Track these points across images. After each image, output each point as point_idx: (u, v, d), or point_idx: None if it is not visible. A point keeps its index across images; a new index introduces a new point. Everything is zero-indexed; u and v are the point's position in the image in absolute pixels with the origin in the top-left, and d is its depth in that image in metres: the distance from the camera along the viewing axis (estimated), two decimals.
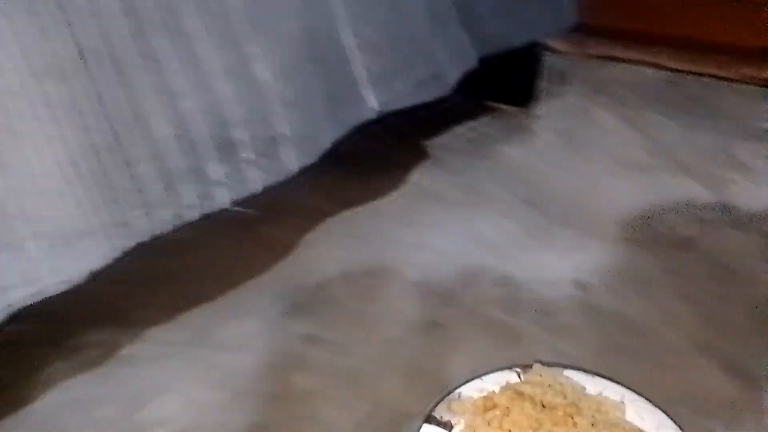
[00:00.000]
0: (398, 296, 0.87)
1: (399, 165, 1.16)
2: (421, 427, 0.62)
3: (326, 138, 0.69)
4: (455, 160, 1.19)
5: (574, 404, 0.61)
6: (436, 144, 1.23)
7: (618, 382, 0.64)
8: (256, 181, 0.63)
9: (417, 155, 1.20)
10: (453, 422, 0.62)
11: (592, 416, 0.60)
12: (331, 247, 0.96)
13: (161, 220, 0.58)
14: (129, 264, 0.84)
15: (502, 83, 1.33)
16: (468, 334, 0.81)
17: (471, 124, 1.29)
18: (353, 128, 0.72)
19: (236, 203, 0.61)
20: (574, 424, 0.59)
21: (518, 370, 0.66)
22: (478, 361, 0.77)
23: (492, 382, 0.65)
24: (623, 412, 0.62)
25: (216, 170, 0.61)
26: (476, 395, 0.63)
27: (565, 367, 0.66)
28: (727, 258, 0.92)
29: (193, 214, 0.60)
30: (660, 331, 0.81)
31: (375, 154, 1.18)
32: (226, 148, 0.60)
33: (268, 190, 0.65)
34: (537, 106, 1.32)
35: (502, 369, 0.66)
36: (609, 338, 0.80)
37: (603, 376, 0.64)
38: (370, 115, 0.73)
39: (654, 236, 0.94)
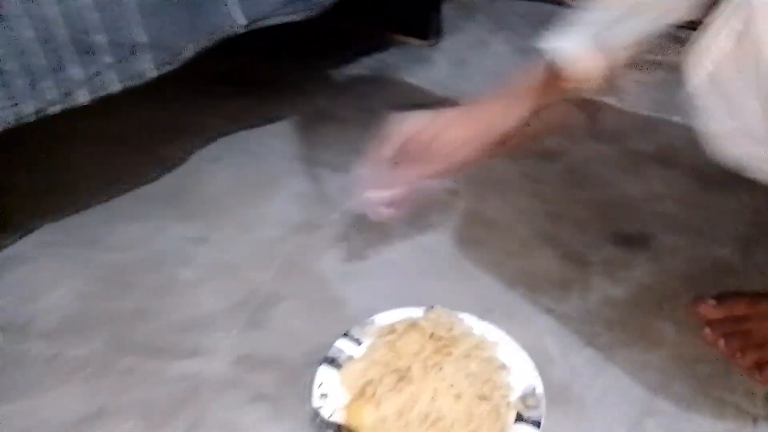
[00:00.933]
0: (283, 203, 0.95)
1: (302, 91, 1.22)
2: (337, 340, 0.72)
3: (187, 48, 0.75)
4: (356, 88, 1.26)
5: (456, 338, 0.71)
6: (340, 72, 1.30)
7: (500, 330, 0.73)
8: (114, 83, 0.69)
9: (321, 82, 1.26)
10: (362, 340, 0.73)
11: (469, 350, 0.70)
12: (226, 164, 1.03)
13: (27, 113, 0.64)
14: (18, 172, 0.90)
15: (407, 16, 1.40)
16: (344, 233, 0.89)
17: (376, 55, 1.36)
18: (219, 40, 0.78)
19: (94, 101, 0.67)
20: (449, 353, 0.69)
21: (423, 308, 0.76)
22: (352, 256, 0.86)
23: (400, 316, 0.75)
24: (495, 350, 0.72)
25: (77, 71, 0.67)
26: (383, 323, 0.74)
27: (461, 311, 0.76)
28: (585, 166, 1.02)
29: (55, 109, 0.66)
30: (511, 226, 0.91)
31: (279, 80, 1.24)
32: (86, 52, 0.66)
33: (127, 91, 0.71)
34: (440, 39, 1.39)
35: (410, 307, 0.76)
36: (468, 232, 0.90)
37: (488, 323, 0.74)
38: (237, 29, 0.79)
39: (523, 149, 1.03)
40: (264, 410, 0.68)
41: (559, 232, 0.89)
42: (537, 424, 0.64)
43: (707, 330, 0.74)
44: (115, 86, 0.68)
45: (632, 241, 0.88)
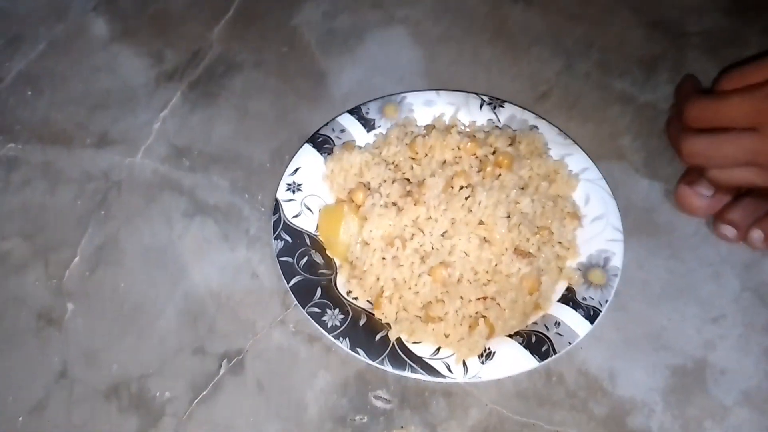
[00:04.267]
0: None
1: None
2: (341, 114, 0.48)
3: None
4: None
5: (517, 157, 0.45)
6: None
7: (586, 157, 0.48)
8: None
9: None
10: (376, 124, 0.49)
11: (531, 180, 0.45)
12: None
13: None
14: None
15: None
16: None
17: None
18: None
19: None
20: (495, 175, 0.44)
21: (486, 99, 0.49)
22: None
23: (445, 103, 0.49)
24: (572, 187, 0.47)
25: None
26: (421, 110, 0.49)
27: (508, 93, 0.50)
28: None
29: None
30: None
31: None
32: None
33: None
34: None
35: (467, 92, 0.49)
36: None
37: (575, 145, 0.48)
38: None
39: None
40: (208, 226, 0.47)
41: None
42: (591, 315, 0.41)
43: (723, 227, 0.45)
44: None
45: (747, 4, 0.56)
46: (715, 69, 0.52)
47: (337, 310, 0.41)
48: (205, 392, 0.41)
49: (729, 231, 0.45)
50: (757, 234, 0.44)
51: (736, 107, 0.39)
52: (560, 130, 0.48)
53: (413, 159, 0.46)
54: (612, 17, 0.57)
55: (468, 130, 0.48)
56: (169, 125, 0.51)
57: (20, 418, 0.40)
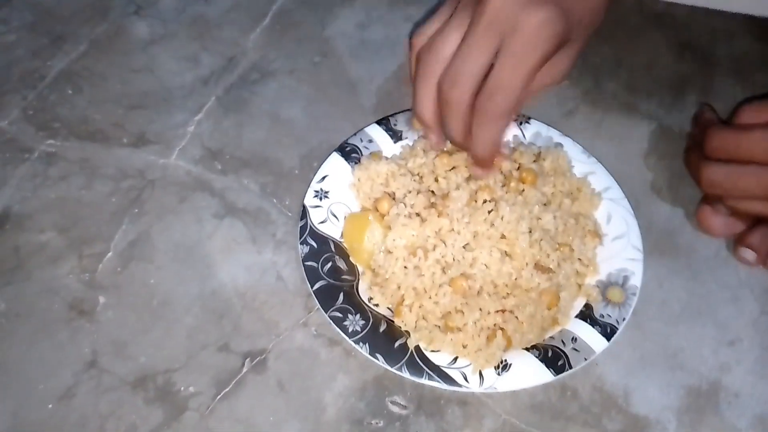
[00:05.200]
0: None
1: None
2: (369, 125, 0.50)
3: None
4: None
5: (541, 174, 0.46)
6: None
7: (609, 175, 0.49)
8: None
9: None
10: (404, 135, 0.50)
11: (555, 196, 0.46)
12: None
13: None
14: None
15: None
16: None
17: None
18: None
19: None
20: (519, 191, 0.46)
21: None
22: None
23: None
24: (596, 205, 0.48)
25: None
26: None
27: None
28: None
29: None
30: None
31: None
32: None
33: None
34: None
35: None
36: None
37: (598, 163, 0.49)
38: None
39: None
40: (237, 228, 0.49)
41: (675, 10, 0.58)
42: (608, 332, 0.41)
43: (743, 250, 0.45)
44: None
45: None
46: (744, 94, 0.53)
47: (358, 316, 0.42)
48: (227, 389, 0.42)
49: (749, 254, 0.45)
50: None
51: (757, 142, 0.39)
52: (584, 148, 0.49)
53: (439, 170, 0.47)
54: (641, 39, 0.58)
55: None
56: (203, 128, 0.53)
57: (50, 405, 0.42)
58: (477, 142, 0.41)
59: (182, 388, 0.42)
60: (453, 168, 0.46)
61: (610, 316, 0.42)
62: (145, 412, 0.41)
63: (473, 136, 0.41)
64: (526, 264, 0.43)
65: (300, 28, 0.59)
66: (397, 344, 0.41)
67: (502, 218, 0.43)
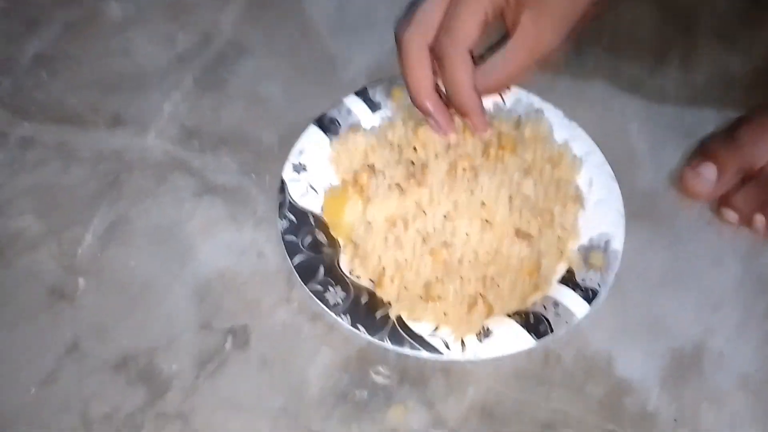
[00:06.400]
0: None
1: None
2: (348, 96, 0.49)
3: None
4: None
5: (521, 141, 0.46)
6: None
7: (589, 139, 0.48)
8: None
9: None
10: (382, 105, 0.50)
11: (536, 162, 0.46)
12: None
13: None
14: None
15: None
16: None
17: None
18: None
19: None
20: (501, 159, 0.45)
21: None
22: None
23: None
24: (576, 171, 0.47)
25: None
26: None
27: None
28: None
29: None
30: None
31: None
32: None
33: None
34: None
35: None
36: None
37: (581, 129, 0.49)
38: None
39: None
40: (216, 206, 0.48)
41: None
42: (590, 296, 0.41)
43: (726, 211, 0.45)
44: None
45: None
46: (727, 55, 0.52)
47: (339, 288, 0.42)
48: (210, 367, 0.42)
49: (732, 216, 0.45)
50: (760, 219, 0.44)
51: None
52: (565, 113, 0.49)
53: (417, 140, 0.46)
54: (624, 1, 0.57)
55: None
56: (180, 108, 0.52)
57: (32, 390, 0.41)
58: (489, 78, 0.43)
59: (165, 368, 0.42)
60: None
61: (592, 280, 0.42)
62: (128, 393, 0.41)
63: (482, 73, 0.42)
64: (507, 232, 0.42)
65: (278, 6, 0.58)
66: (378, 315, 0.41)
67: (482, 186, 0.43)
